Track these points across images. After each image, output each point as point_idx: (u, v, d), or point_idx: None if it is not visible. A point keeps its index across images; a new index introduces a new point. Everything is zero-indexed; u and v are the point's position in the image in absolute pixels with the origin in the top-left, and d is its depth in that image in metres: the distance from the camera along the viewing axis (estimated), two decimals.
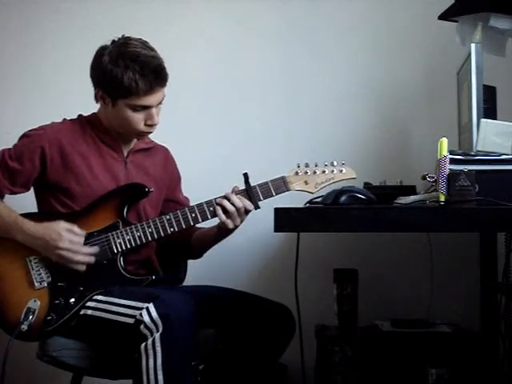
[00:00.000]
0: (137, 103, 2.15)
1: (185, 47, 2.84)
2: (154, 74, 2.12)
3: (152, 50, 2.18)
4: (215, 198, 2.17)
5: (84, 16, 2.93)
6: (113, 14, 2.91)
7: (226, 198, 2.16)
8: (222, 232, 2.24)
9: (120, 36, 2.19)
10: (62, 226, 2.12)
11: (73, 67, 2.87)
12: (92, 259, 2.13)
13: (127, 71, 2.11)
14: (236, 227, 2.18)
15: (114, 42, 2.18)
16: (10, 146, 2.22)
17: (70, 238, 2.10)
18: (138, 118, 2.18)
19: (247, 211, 2.17)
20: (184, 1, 2.93)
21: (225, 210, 2.15)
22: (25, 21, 2.94)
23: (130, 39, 2.18)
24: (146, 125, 2.19)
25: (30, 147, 2.19)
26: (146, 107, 2.16)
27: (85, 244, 2.13)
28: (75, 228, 2.13)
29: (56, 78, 2.91)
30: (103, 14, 2.91)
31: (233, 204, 2.15)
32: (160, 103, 2.20)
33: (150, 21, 2.88)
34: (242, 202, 2.15)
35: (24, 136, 2.23)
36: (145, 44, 2.18)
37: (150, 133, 2.25)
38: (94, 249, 2.13)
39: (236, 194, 2.16)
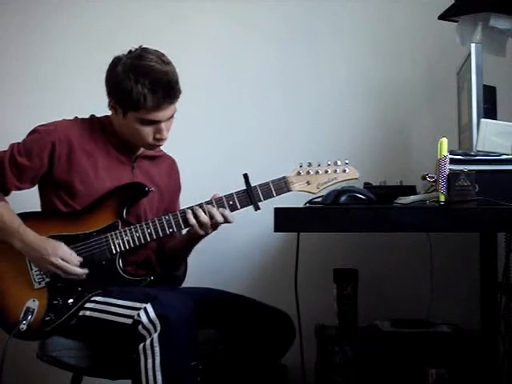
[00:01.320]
0: (145, 117, 2.14)
1: (185, 47, 2.84)
2: (163, 90, 2.11)
3: (167, 64, 2.15)
4: (215, 199, 2.16)
5: (84, 16, 2.92)
6: (112, 15, 2.91)
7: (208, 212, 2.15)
8: (192, 239, 2.24)
9: (137, 46, 2.18)
10: (61, 244, 2.12)
11: (73, 67, 2.88)
12: (83, 277, 2.13)
13: (137, 85, 2.09)
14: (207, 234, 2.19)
15: (130, 52, 2.17)
16: (20, 141, 2.22)
17: (64, 256, 2.10)
18: (147, 132, 2.17)
19: (218, 224, 2.16)
20: (184, 1, 2.92)
21: (198, 219, 2.14)
22: (25, 20, 2.94)
23: (146, 51, 2.16)
24: (154, 138, 2.19)
25: (40, 143, 2.18)
26: (155, 121, 2.16)
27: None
28: (73, 253, 2.12)
29: (56, 77, 2.91)
30: (103, 14, 2.91)
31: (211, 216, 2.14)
32: (171, 117, 2.18)
33: (150, 21, 2.88)
34: (222, 214, 2.14)
35: (35, 131, 2.22)
36: (160, 58, 2.15)
37: (159, 146, 2.25)
38: (85, 271, 2.13)
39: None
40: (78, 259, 2.12)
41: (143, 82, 2.09)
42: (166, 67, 2.14)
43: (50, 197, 2.22)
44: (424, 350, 2.45)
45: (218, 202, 2.16)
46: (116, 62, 2.16)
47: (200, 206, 2.16)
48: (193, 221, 2.14)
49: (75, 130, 2.22)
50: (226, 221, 2.15)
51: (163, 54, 2.17)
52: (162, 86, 2.11)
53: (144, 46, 2.18)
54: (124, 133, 2.23)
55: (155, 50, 2.17)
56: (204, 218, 2.14)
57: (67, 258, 2.11)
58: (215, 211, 2.14)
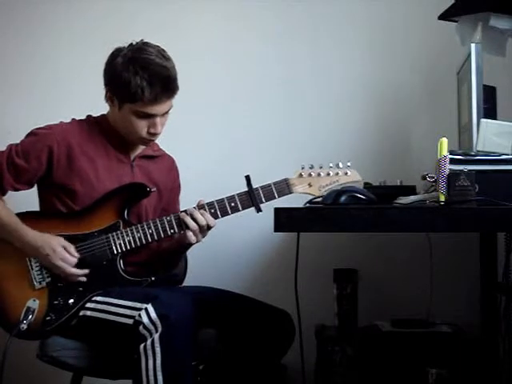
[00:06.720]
0: (141, 110, 2.14)
1: (185, 47, 2.83)
2: (161, 84, 2.11)
3: (167, 59, 2.16)
4: (217, 200, 2.16)
5: (84, 16, 2.93)
6: (113, 15, 2.91)
7: (189, 214, 2.14)
8: (182, 245, 2.23)
9: (138, 40, 2.19)
10: (58, 242, 2.12)
11: (75, 67, 2.88)
12: (83, 279, 2.13)
13: (136, 77, 2.10)
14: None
15: (131, 45, 2.17)
16: (17, 142, 2.22)
17: (62, 256, 2.10)
18: (141, 125, 2.17)
19: (209, 227, 2.15)
20: (184, 1, 2.93)
21: (187, 227, 2.14)
22: (27, 20, 2.94)
23: (147, 45, 2.17)
24: (148, 133, 2.19)
25: (37, 146, 2.18)
26: (151, 115, 2.16)
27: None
28: (71, 248, 2.13)
29: (58, 77, 2.91)
30: (103, 14, 2.91)
31: (195, 221, 2.13)
32: (166, 113, 2.19)
33: (150, 22, 2.88)
34: (205, 218, 2.13)
35: (32, 134, 2.22)
36: (161, 52, 2.16)
37: (152, 141, 2.25)
38: (84, 271, 2.13)
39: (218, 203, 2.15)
40: (75, 260, 2.12)
41: (142, 75, 2.10)
42: (166, 62, 2.15)
43: (50, 198, 2.21)
44: (424, 349, 2.45)
45: (219, 204, 2.16)
46: (116, 53, 2.17)
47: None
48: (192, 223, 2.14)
49: (73, 132, 2.22)
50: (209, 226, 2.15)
51: (164, 50, 2.18)
52: (161, 80, 2.11)
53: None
54: (118, 126, 2.23)
55: (156, 45, 2.18)
56: (201, 219, 2.13)
57: (65, 259, 2.11)
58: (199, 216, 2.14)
